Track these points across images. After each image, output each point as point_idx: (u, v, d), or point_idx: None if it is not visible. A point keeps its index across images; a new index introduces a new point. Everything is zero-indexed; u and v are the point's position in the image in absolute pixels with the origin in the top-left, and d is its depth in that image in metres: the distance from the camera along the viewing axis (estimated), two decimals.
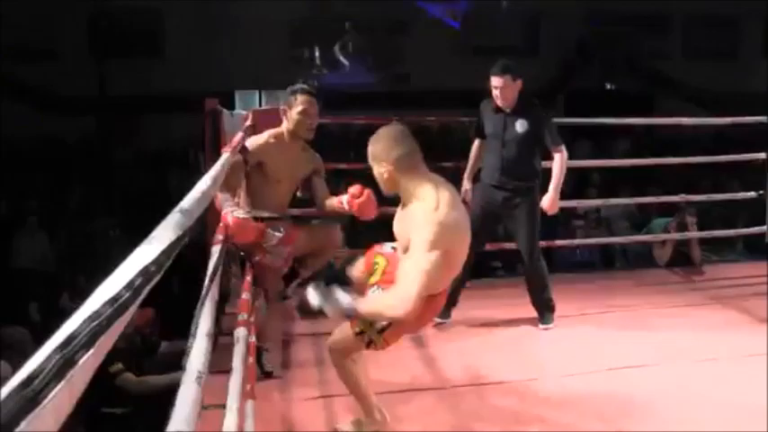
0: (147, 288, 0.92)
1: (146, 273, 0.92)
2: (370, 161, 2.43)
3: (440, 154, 5.51)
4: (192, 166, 9.23)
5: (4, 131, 10.19)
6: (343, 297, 2.30)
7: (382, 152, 2.35)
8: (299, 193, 3.38)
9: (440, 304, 2.58)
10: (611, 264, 6.41)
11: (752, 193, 5.49)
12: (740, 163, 5.84)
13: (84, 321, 0.73)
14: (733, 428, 2.93)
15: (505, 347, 3.88)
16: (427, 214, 2.25)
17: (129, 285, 0.85)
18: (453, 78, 12.67)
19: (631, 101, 11.64)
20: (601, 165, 7.20)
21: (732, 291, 4.94)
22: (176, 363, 3.59)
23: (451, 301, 4.05)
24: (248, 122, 4.02)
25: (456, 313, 4.34)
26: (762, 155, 5.43)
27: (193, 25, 13.05)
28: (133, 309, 0.85)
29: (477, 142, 4.27)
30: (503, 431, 2.94)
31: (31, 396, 0.60)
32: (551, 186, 4.03)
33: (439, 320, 4.06)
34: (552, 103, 12.14)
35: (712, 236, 5.83)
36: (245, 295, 2.78)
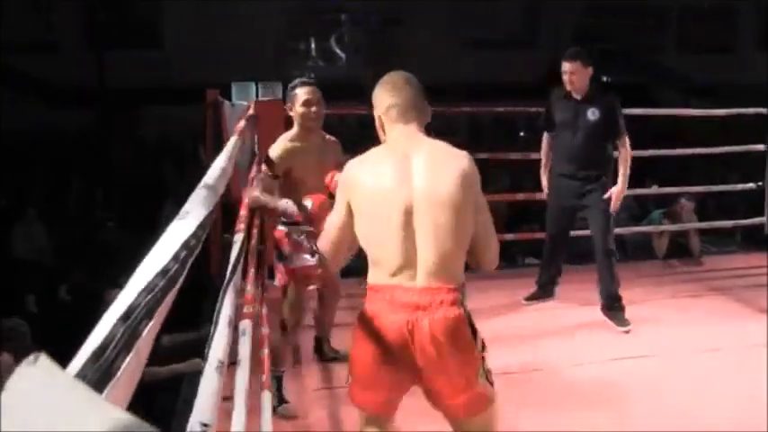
0: (191, 260, 0.92)
1: (187, 246, 0.92)
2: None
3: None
4: (192, 158, 9.21)
5: (4, 123, 10.15)
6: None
7: (376, 98, 2.06)
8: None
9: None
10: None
11: (751, 185, 5.51)
12: (739, 154, 5.87)
13: (141, 293, 0.73)
14: (734, 418, 2.95)
15: (507, 338, 3.88)
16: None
17: (176, 258, 0.85)
18: (450, 71, 12.66)
19: (628, 93, 11.63)
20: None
21: (731, 282, 4.97)
22: (177, 354, 3.60)
23: (552, 279, 4.31)
24: (251, 112, 4.03)
25: None
26: (760, 146, 5.45)
27: (191, 17, 13.01)
28: (181, 281, 0.85)
29: (546, 136, 4.27)
30: (507, 421, 2.95)
31: (105, 367, 0.60)
32: (620, 179, 3.98)
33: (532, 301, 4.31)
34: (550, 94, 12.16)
35: (711, 227, 5.86)
36: (249, 288, 2.78)
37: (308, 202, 2.78)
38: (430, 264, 1.83)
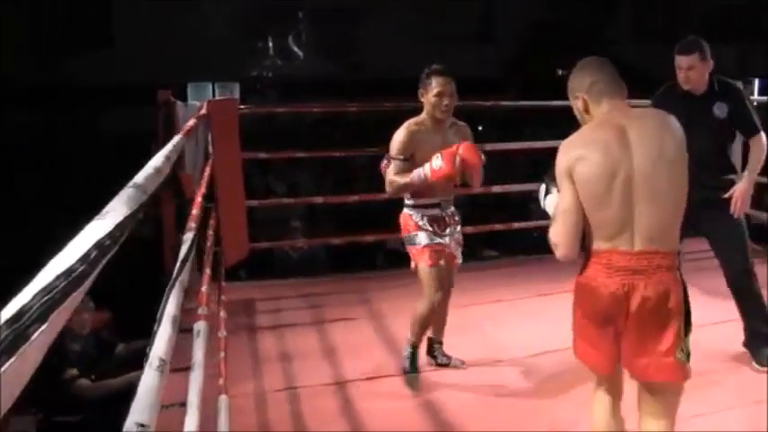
0: (103, 262, 0.88)
1: (100, 246, 0.88)
2: (570, 99, 2.19)
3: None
4: (145, 159, 9.03)
5: None
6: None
7: (575, 81, 2.13)
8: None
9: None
10: None
11: None
12: None
13: (37, 295, 0.69)
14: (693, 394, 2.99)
15: (468, 330, 3.90)
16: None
17: (84, 258, 0.82)
18: (409, 65, 12.66)
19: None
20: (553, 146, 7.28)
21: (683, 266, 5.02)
22: (134, 363, 3.53)
23: None
24: (203, 112, 3.98)
25: (413, 296, 4.36)
26: None
27: (145, 17, 12.79)
28: (88, 283, 0.82)
29: None
30: (472, 414, 2.97)
31: None
32: (747, 176, 3.41)
33: None
34: (506, 88, 12.24)
35: None
36: (204, 288, 2.74)
37: (437, 160, 2.93)
38: (647, 229, 1.93)
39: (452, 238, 3.20)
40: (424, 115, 3.14)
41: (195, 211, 2.82)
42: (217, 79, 12.97)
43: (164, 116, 4.29)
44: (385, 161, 3.15)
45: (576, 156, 1.99)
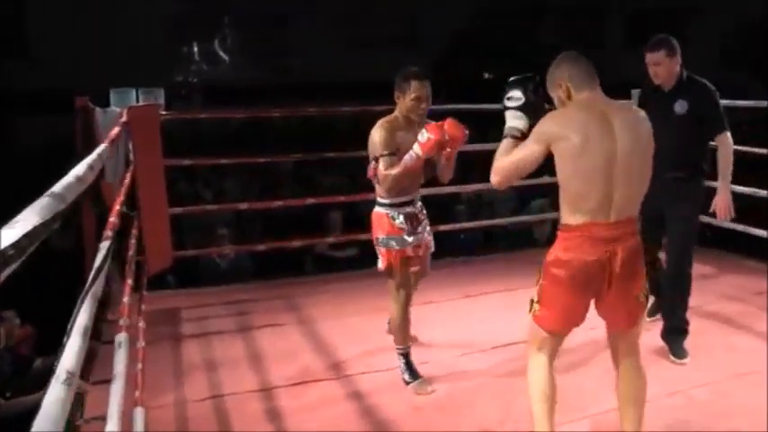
0: (5, 272, 0.86)
1: (2, 256, 0.86)
2: (550, 90, 2.40)
3: (324, 145, 5.56)
4: (66, 167, 8.76)
5: None
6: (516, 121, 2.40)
7: (557, 71, 2.37)
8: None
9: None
10: (493, 246, 6.62)
11: None
12: None
13: None
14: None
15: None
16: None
17: None
18: (336, 70, 12.69)
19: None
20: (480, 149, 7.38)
21: None
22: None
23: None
24: (123, 119, 3.90)
25: (340, 300, 4.48)
26: None
27: (66, 22, 12.40)
28: None
29: None
30: (399, 416, 3.00)
31: None
32: (720, 184, 3.52)
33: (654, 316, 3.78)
34: (438, 91, 12.36)
35: None
36: (125, 299, 2.69)
37: (425, 135, 2.94)
38: (621, 203, 2.25)
39: (425, 231, 3.31)
40: (396, 114, 3.18)
41: (113, 219, 2.76)
42: (140, 85, 12.67)
43: (82, 123, 4.19)
44: (372, 164, 3.14)
45: (561, 132, 2.24)
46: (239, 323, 4.16)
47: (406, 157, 3.00)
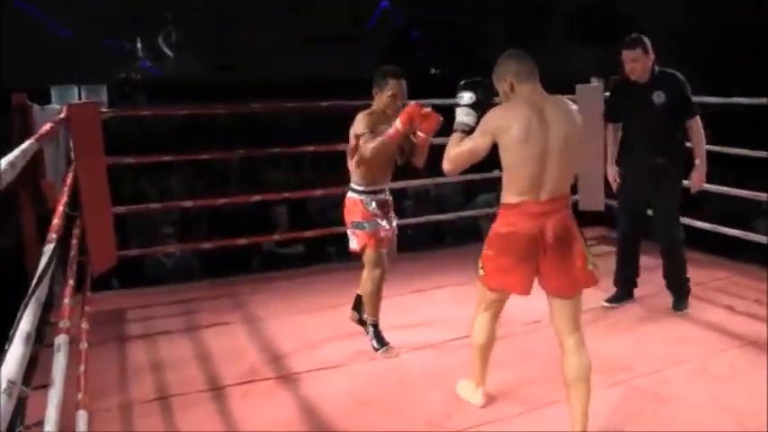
0: None
1: None
2: (495, 83, 2.71)
3: (271, 142, 5.52)
4: None
5: None
6: (466, 117, 2.73)
7: (503, 66, 2.68)
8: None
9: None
10: (441, 241, 6.67)
11: None
12: None
13: None
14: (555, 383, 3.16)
15: (340, 331, 3.92)
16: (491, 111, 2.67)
17: None
18: (281, 67, 12.61)
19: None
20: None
21: None
22: None
23: (631, 281, 4.28)
24: (62, 116, 3.81)
25: (287, 298, 4.45)
26: None
27: (7, 19, 12.02)
28: None
29: (610, 127, 4.30)
30: (347, 413, 3.00)
31: None
32: (697, 161, 3.98)
33: (613, 304, 4.23)
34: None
35: None
36: (66, 300, 2.63)
37: (400, 118, 3.25)
38: (552, 185, 2.59)
39: (392, 218, 3.64)
40: (374, 108, 3.47)
41: (56, 221, 2.70)
42: (83, 81, 12.38)
43: (19, 121, 4.07)
44: (352, 142, 3.44)
45: (505, 125, 2.56)
46: (186, 323, 4.10)
47: (388, 131, 3.29)
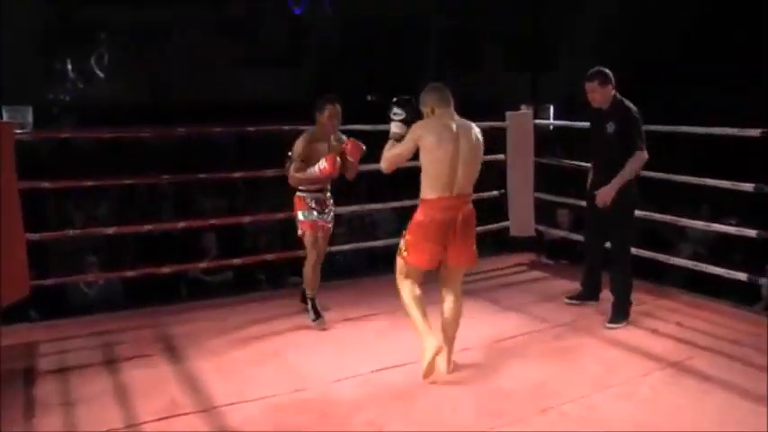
0: None
1: None
2: (421, 108, 3.49)
3: (204, 167, 5.36)
4: None
5: None
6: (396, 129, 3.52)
7: (427, 96, 3.48)
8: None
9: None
10: (376, 267, 6.59)
11: (495, 192, 5.94)
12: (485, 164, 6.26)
13: None
14: (491, 409, 3.12)
15: (268, 360, 3.83)
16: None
17: None
18: (216, 89, 12.45)
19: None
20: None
21: (483, 284, 5.29)
22: None
23: (594, 283, 4.69)
24: None
25: (212, 327, 4.33)
26: (501, 156, 5.91)
27: None
28: None
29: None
30: None
31: None
32: (614, 180, 4.27)
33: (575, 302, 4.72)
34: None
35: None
36: None
37: (322, 163, 4.14)
38: (460, 183, 3.41)
39: (329, 214, 4.47)
40: (316, 128, 4.31)
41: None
42: (5, 102, 11.95)
43: None
44: (289, 160, 4.31)
45: (425, 134, 3.39)
46: (103, 355, 3.91)
47: (309, 171, 4.19)
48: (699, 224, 5.07)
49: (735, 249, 5.89)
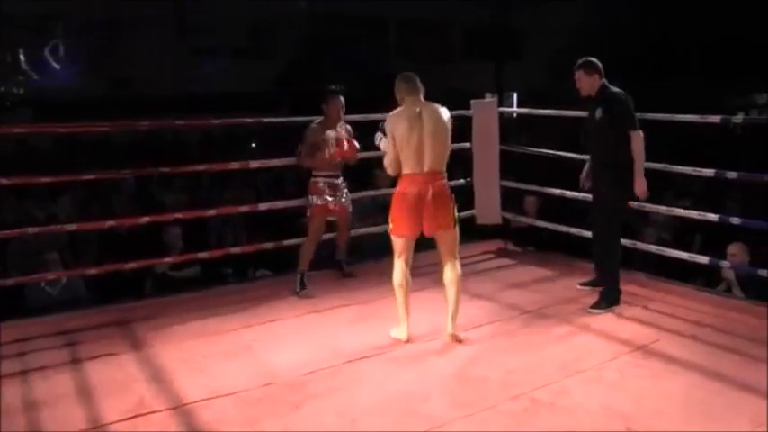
0: None
1: None
2: (397, 95, 3.92)
3: (166, 161, 5.27)
4: None
5: None
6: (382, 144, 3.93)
7: (400, 84, 3.90)
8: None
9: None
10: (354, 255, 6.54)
11: (461, 181, 5.94)
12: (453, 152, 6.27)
13: None
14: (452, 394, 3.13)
15: (235, 356, 3.79)
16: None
17: None
18: (178, 81, 12.27)
19: (355, 100, 12.08)
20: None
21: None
22: None
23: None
24: None
25: (180, 323, 4.28)
26: (467, 144, 5.91)
27: None
28: None
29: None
30: None
31: None
32: (636, 172, 4.30)
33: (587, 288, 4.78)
34: (280, 103, 12.21)
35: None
36: None
37: (332, 147, 4.80)
38: (430, 161, 3.79)
39: (343, 196, 5.01)
40: (323, 118, 4.89)
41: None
42: None
43: None
44: (301, 146, 4.90)
45: (396, 123, 3.81)
46: (67, 355, 3.82)
47: (324, 153, 4.79)
48: (662, 209, 5.12)
49: (696, 234, 5.99)
